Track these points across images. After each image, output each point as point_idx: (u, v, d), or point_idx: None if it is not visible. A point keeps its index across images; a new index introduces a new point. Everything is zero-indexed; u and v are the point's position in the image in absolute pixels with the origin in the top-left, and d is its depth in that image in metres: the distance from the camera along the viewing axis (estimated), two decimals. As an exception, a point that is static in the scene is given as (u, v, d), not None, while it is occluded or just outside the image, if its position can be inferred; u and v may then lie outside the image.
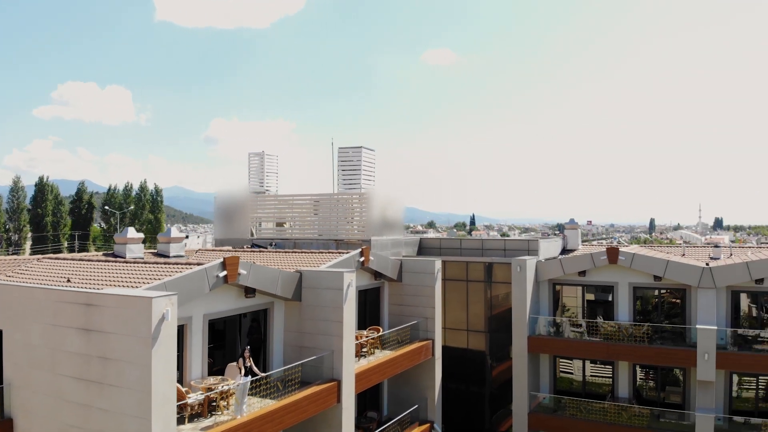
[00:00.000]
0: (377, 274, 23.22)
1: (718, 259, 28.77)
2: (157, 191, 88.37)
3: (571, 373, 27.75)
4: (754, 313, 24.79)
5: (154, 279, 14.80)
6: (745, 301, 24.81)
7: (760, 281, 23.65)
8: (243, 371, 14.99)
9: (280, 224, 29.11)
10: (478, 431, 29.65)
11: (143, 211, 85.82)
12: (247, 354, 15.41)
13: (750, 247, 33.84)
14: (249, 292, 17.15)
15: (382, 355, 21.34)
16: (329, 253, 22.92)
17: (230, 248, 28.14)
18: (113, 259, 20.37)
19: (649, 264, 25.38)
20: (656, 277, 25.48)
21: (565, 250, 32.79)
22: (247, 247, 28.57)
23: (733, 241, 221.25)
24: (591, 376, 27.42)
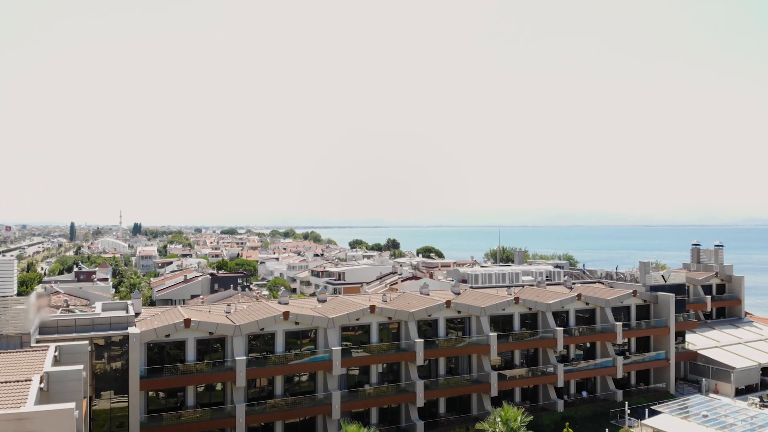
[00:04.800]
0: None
1: (230, 312, 50.08)
2: None
3: (164, 397, 43.47)
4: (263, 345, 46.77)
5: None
6: (261, 339, 46.48)
7: (262, 328, 45.71)
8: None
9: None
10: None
11: None
12: None
13: (261, 300, 56.86)
14: (34, 392, 26.99)
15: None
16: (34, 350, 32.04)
17: None
18: None
19: (207, 326, 43.98)
20: (210, 333, 44.31)
21: (136, 314, 47.82)
22: None
23: (161, 253, 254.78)
24: (170, 397, 43.86)
